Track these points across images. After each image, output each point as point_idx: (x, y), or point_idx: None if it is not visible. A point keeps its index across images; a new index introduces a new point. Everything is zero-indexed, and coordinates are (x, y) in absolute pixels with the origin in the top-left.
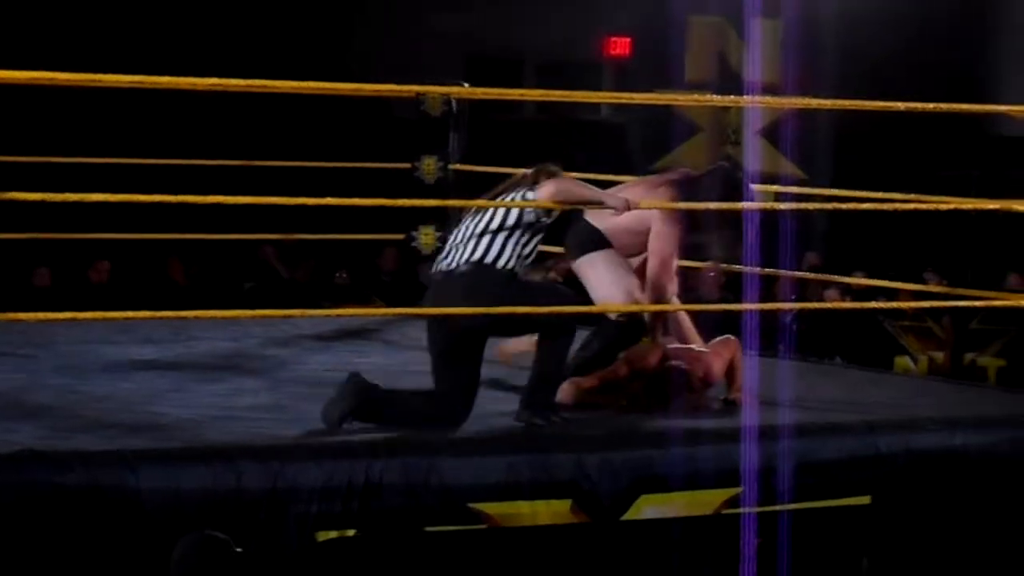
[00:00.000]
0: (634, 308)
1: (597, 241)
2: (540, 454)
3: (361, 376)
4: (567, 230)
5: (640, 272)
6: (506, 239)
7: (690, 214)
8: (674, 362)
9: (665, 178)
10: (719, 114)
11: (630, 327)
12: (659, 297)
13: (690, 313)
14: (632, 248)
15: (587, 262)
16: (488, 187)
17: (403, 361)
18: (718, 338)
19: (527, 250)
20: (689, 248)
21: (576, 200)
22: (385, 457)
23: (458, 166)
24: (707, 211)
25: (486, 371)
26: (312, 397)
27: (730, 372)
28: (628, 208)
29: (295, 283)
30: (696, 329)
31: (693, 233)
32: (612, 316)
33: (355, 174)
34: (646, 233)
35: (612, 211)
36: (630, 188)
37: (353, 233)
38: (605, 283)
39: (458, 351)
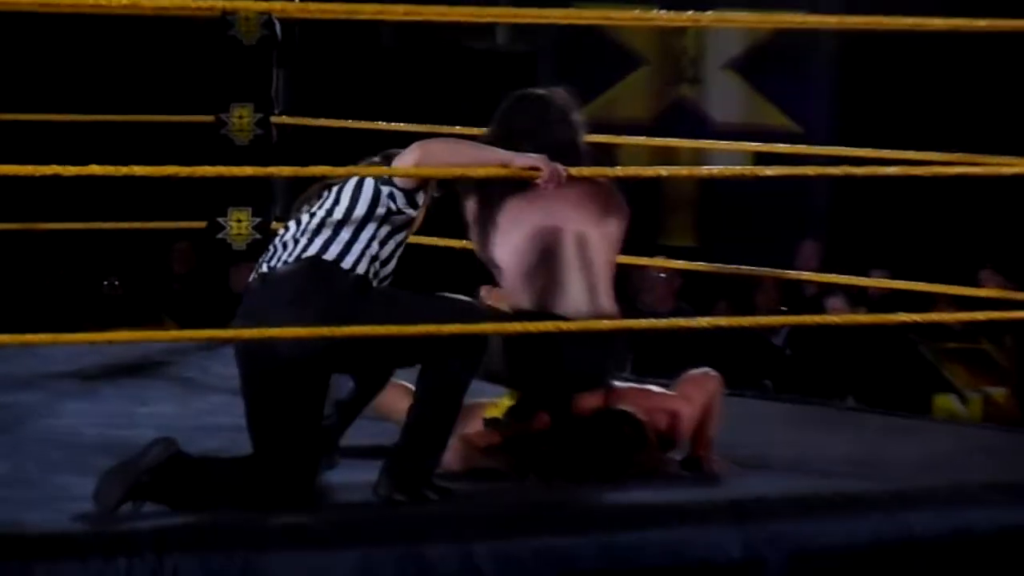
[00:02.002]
0: (547, 326)
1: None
2: (408, 544)
3: (173, 442)
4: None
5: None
6: (354, 233)
7: None
8: (621, 407)
9: None
10: (670, 39)
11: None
12: None
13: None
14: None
15: None
16: (330, 148)
17: (203, 410)
18: (690, 372)
19: (384, 251)
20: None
21: (461, 164)
22: (179, 552)
23: (284, 119)
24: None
25: (360, 428)
26: (68, 465)
27: (700, 421)
28: (559, 176)
29: (45, 296)
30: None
31: None
32: None
33: (133, 132)
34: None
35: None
36: None
37: (131, 221)
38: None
39: (281, 393)
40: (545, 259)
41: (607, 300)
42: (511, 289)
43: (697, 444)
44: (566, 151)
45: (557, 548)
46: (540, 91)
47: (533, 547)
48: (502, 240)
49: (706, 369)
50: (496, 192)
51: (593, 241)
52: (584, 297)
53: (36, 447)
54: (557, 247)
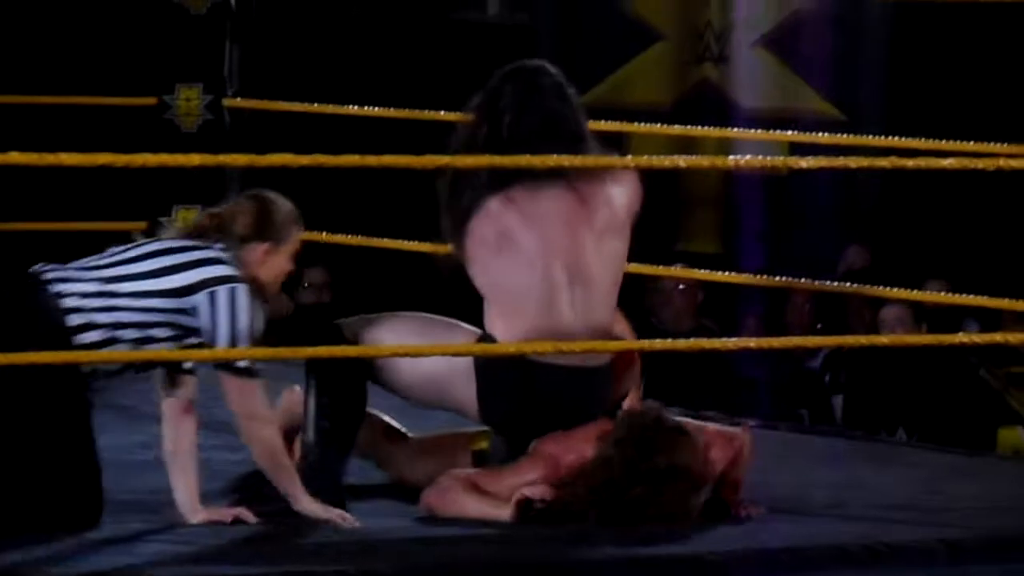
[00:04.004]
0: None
1: None
2: None
3: None
4: None
5: None
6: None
7: None
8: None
9: None
10: (691, 11)
11: None
12: None
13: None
14: None
15: None
16: (291, 135)
17: (142, 444)
18: (721, 426)
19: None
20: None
21: None
22: None
23: (239, 102)
24: None
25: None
26: None
27: (728, 468)
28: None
29: None
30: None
31: None
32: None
33: (62, 116)
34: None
35: None
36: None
37: (58, 220)
38: None
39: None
40: (530, 286)
41: (604, 318)
42: (489, 318)
43: (724, 486)
44: (561, 130)
45: None
46: (534, 62)
47: None
48: (485, 267)
49: (738, 430)
50: (473, 204)
51: (588, 257)
52: (578, 321)
53: None
54: (544, 273)
